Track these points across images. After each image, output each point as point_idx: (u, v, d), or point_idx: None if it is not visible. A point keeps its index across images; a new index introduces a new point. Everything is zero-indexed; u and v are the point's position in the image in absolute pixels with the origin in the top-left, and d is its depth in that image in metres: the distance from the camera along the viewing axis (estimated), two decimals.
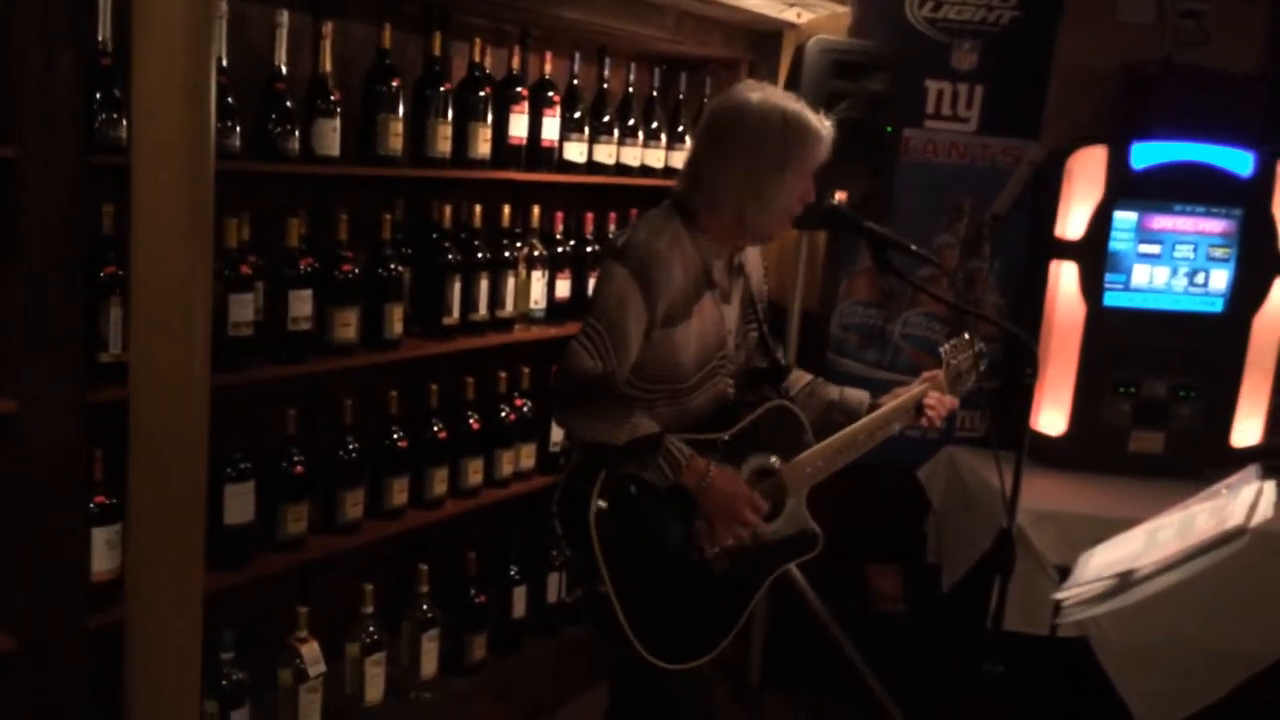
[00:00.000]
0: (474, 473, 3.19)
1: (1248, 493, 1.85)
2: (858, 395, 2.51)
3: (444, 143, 2.93)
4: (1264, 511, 1.80)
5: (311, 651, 2.69)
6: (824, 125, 2.21)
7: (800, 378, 2.56)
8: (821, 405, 2.50)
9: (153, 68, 1.45)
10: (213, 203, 1.54)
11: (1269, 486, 1.88)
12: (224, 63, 2.43)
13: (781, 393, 2.46)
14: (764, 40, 3.85)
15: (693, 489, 2.15)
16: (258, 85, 2.57)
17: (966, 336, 2.55)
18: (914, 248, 2.28)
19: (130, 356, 1.53)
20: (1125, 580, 1.84)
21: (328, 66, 2.65)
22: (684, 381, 2.25)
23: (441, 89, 2.91)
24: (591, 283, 3.45)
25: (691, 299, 2.22)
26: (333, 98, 2.64)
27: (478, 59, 3.06)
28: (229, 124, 2.41)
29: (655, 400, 2.23)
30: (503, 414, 3.27)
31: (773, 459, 2.34)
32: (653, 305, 2.14)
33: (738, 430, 2.30)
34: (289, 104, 2.56)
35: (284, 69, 2.57)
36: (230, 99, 2.42)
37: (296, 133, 2.58)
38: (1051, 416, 3.57)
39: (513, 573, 3.33)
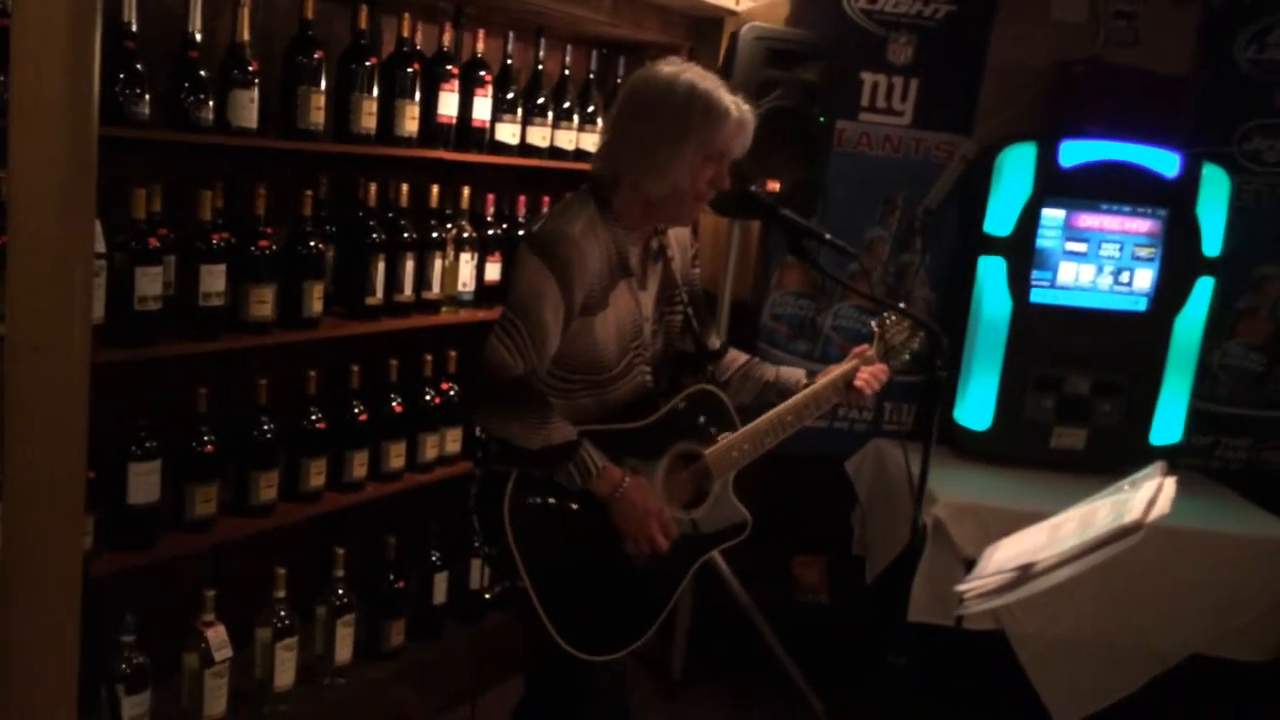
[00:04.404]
0: (396, 456, 3.14)
1: (1148, 488, 1.87)
2: (794, 374, 2.44)
3: (369, 118, 2.87)
4: (1161, 507, 1.81)
5: (218, 636, 2.63)
6: (741, 109, 2.13)
7: (735, 358, 2.51)
8: (758, 386, 2.45)
9: (32, 22, 1.39)
10: (95, 167, 1.48)
11: (1169, 483, 1.90)
12: (133, 28, 2.36)
13: (709, 376, 2.41)
14: (704, 27, 3.82)
15: (604, 498, 2.11)
16: (170, 52, 2.49)
17: (903, 305, 2.49)
18: (828, 237, 2.23)
19: (6, 328, 1.47)
20: (1025, 573, 1.85)
21: (246, 35, 2.58)
22: (606, 371, 2.21)
23: (367, 63, 2.85)
24: None
25: (608, 287, 2.17)
26: (250, 68, 2.57)
27: (407, 34, 3.00)
28: (137, 91, 2.34)
29: (576, 391, 2.20)
30: (427, 397, 3.22)
31: (696, 444, 2.31)
32: (570, 295, 2.09)
33: (658, 417, 2.26)
34: (203, 73, 2.49)
35: (198, 36, 2.50)
36: (139, 65, 2.35)
37: (210, 102, 2.51)
38: (976, 411, 3.60)
39: (434, 558, 3.29)
